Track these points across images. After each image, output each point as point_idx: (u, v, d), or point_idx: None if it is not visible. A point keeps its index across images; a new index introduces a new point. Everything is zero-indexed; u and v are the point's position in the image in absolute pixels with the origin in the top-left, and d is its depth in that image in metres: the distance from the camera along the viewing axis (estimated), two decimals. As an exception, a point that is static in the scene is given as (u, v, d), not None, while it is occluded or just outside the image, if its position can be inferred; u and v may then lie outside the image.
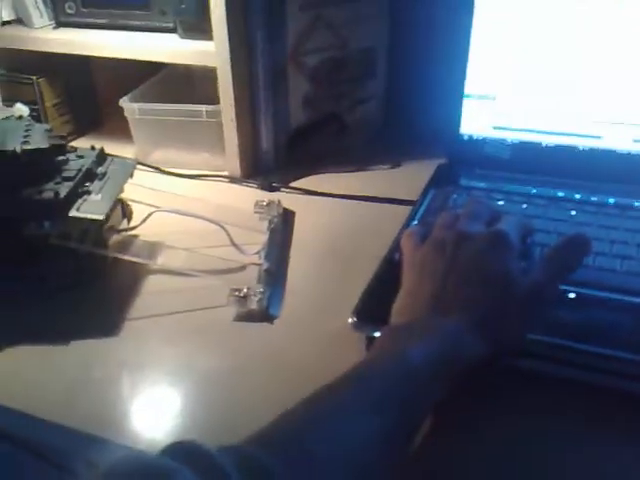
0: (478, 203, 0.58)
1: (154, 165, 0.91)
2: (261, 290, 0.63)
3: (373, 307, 0.56)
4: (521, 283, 0.50)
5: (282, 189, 0.86)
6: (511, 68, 0.73)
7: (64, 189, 0.62)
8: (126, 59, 0.86)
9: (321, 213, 0.81)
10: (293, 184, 0.86)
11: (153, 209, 0.72)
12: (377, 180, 0.87)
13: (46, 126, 0.69)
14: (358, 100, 0.90)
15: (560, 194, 0.71)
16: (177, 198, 0.78)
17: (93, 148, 0.72)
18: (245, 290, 0.62)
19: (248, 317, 0.62)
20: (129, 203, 0.75)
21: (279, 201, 0.78)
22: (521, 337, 0.50)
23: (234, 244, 0.70)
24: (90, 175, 0.68)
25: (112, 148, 0.94)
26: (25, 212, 0.62)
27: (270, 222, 0.75)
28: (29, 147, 0.63)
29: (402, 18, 0.90)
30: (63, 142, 0.68)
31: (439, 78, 0.78)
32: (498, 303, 0.50)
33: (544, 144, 0.75)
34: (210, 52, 0.78)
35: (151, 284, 0.68)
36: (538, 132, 0.75)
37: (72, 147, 0.72)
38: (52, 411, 0.53)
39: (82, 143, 0.98)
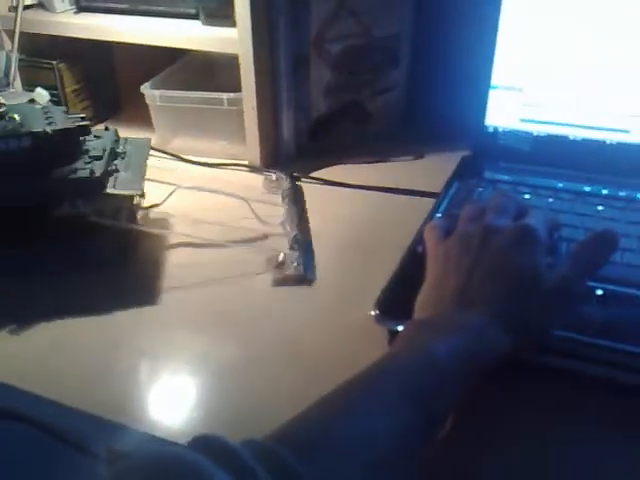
0: (504, 197, 0.57)
1: (173, 153, 0.90)
2: (297, 255, 0.66)
3: (396, 300, 0.55)
4: (548, 278, 0.49)
5: (302, 179, 0.85)
6: (539, 59, 0.72)
7: (98, 167, 0.63)
8: (147, 45, 0.86)
9: (342, 204, 0.80)
10: (314, 174, 0.85)
11: (173, 187, 0.74)
12: (399, 171, 0.86)
13: (63, 108, 0.69)
14: (381, 89, 0.89)
15: (587, 189, 0.69)
16: (195, 178, 0.80)
17: (107, 129, 0.72)
18: (281, 256, 0.66)
19: (286, 282, 0.64)
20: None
21: (286, 175, 0.82)
22: (546, 333, 0.50)
23: (257, 216, 0.73)
24: (114, 154, 0.68)
25: (131, 134, 0.93)
26: (60, 192, 0.62)
27: (283, 195, 0.78)
28: (58, 127, 0.63)
29: (427, 5, 0.89)
30: (88, 123, 0.68)
31: (465, 68, 0.77)
32: (524, 298, 0.49)
33: (571, 137, 0.73)
34: (232, 39, 0.77)
35: (183, 256, 0.69)
36: (565, 125, 0.73)
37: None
38: (91, 376, 0.55)
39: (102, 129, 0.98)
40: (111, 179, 0.64)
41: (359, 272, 0.66)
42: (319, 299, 0.63)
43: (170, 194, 0.74)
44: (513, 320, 0.47)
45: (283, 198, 0.78)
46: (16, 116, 0.65)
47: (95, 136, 0.69)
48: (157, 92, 0.87)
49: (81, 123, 0.66)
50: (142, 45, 0.86)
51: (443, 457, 0.45)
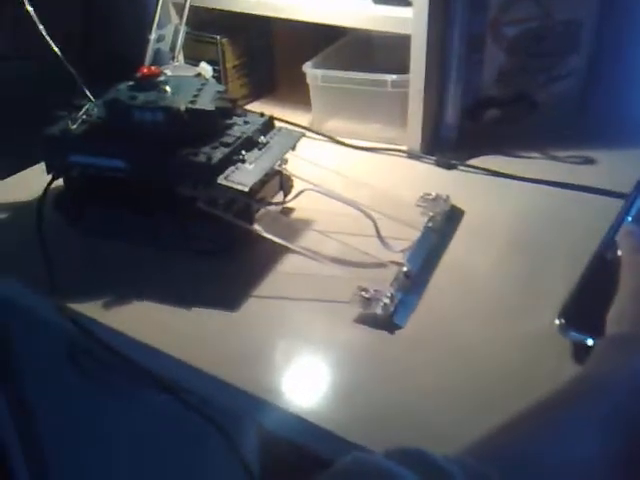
0: None
1: (328, 134, 0.89)
2: (391, 294, 0.56)
3: (582, 310, 0.51)
4: None
5: (460, 167, 0.81)
6: None
7: (218, 154, 0.61)
8: (307, 23, 0.84)
9: (503, 197, 0.75)
10: (472, 162, 0.81)
11: (307, 185, 0.67)
12: (567, 167, 0.80)
13: (220, 87, 0.67)
14: (555, 77, 0.83)
15: None
16: (338, 177, 0.71)
17: (262, 115, 0.69)
18: (372, 292, 0.56)
19: (369, 321, 0.56)
20: (292, 177, 0.71)
21: (448, 197, 0.70)
22: None
23: (380, 237, 0.62)
24: (250, 143, 0.65)
25: (285, 114, 0.93)
26: (176, 172, 0.62)
27: (430, 219, 0.67)
28: (193, 107, 0.62)
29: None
30: (230, 106, 0.67)
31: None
32: None
33: None
34: (405, 19, 0.74)
35: (284, 264, 0.64)
36: None
37: (244, 111, 0.71)
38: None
39: (256, 107, 0.97)
40: (231, 169, 0.61)
41: (528, 275, 0.61)
42: (487, 303, 0.58)
43: (299, 193, 0.68)
44: None
45: (428, 222, 0.67)
46: (168, 88, 0.64)
47: (245, 121, 0.67)
48: (319, 72, 0.85)
49: (221, 105, 0.64)
50: (302, 23, 0.84)
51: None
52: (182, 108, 0.61)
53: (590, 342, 0.48)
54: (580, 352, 0.49)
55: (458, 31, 0.74)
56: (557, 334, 0.50)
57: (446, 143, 0.83)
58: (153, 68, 0.67)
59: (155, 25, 0.82)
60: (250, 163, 0.62)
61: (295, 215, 0.71)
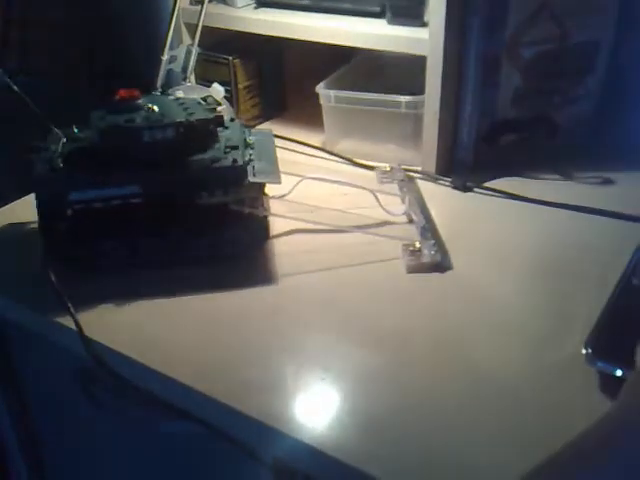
0: None
1: (342, 155, 0.87)
2: (432, 243, 0.66)
3: (610, 339, 0.49)
4: None
5: (476, 189, 0.79)
6: None
7: (240, 157, 0.63)
8: (318, 44, 0.83)
9: (521, 220, 0.74)
10: (489, 185, 0.79)
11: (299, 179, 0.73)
12: (585, 190, 0.78)
13: (198, 99, 0.68)
14: (571, 98, 0.81)
15: None
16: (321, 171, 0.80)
17: (232, 120, 0.71)
18: (417, 244, 0.66)
19: (423, 269, 0.65)
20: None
21: (399, 166, 0.82)
22: None
23: (381, 205, 0.72)
24: (246, 144, 0.68)
25: (296, 134, 0.92)
26: (202, 181, 0.63)
27: (399, 186, 0.78)
28: (200, 117, 0.63)
29: (632, 12, 0.80)
30: (220, 113, 0.67)
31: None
32: None
33: None
34: (421, 39, 0.73)
35: (310, 242, 0.71)
36: None
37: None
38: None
39: (268, 127, 0.96)
40: (249, 168, 0.64)
41: (550, 302, 0.60)
42: (506, 330, 0.57)
43: (298, 183, 0.73)
44: None
45: (401, 188, 0.77)
46: (155, 107, 0.64)
47: (224, 127, 0.68)
48: (332, 92, 0.84)
49: (218, 113, 0.65)
50: (313, 44, 0.84)
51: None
52: (192, 120, 0.62)
53: (619, 373, 0.46)
54: (608, 383, 0.48)
55: (474, 52, 0.73)
56: (584, 364, 0.49)
57: (462, 165, 0.82)
58: (132, 91, 0.66)
59: (167, 46, 0.82)
60: (259, 161, 0.66)
61: (302, 201, 0.73)
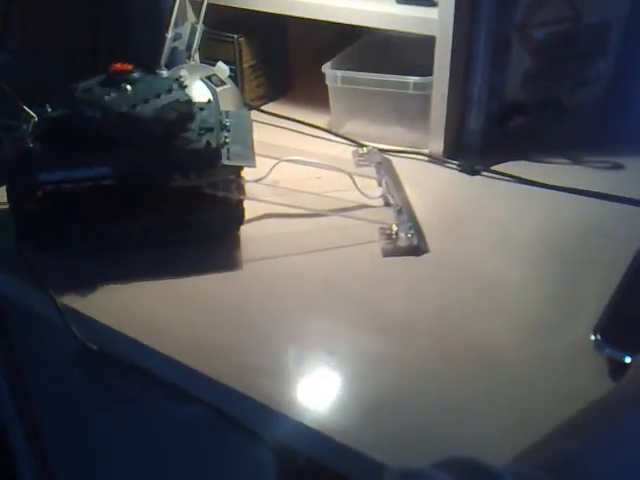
0: None
1: (347, 137, 0.86)
2: (409, 226, 0.66)
3: (619, 325, 0.49)
4: None
5: (484, 173, 0.78)
6: None
7: (214, 139, 0.61)
8: (323, 23, 0.81)
9: (529, 204, 0.73)
10: (497, 168, 0.78)
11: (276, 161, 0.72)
12: (594, 175, 0.77)
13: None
14: (582, 81, 0.80)
15: None
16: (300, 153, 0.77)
17: (209, 101, 0.69)
18: (394, 227, 0.66)
19: (398, 252, 0.64)
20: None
21: (374, 148, 0.81)
22: None
23: (358, 188, 0.72)
24: (222, 126, 0.66)
25: (302, 115, 0.91)
26: (175, 164, 0.61)
27: (377, 168, 0.77)
28: (177, 99, 0.61)
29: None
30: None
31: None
32: None
33: None
34: (430, 19, 0.72)
35: (285, 226, 0.70)
36: None
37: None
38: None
39: (272, 108, 0.96)
40: (223, 151, 0.62)
41: (559, 288, 0.59)
42: (516, 317, 0.56)
43: (274, 165, 0.72)
44: None
45: (377, 171, 0.77)
46: (128, 87, 0.61)
47: (200, 108, 0.66)
48: (339, 72, 0.83)
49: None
50: (318, 23, 0.82)
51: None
52: (170, 101, 0.61)
53: (628, 359, 0.46)
54: (616, 369, 0.47)
55: (484, 33, 0.72)
56: (592, 351, 0.48)
57: (470, 148, 0.81)
58: (126, 65, 0.63)
59: (172, 23, 0.81)
60: (234, 143, 0.64)
61: (278, 184, 0.72)
